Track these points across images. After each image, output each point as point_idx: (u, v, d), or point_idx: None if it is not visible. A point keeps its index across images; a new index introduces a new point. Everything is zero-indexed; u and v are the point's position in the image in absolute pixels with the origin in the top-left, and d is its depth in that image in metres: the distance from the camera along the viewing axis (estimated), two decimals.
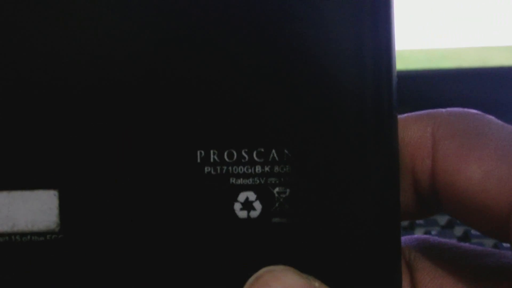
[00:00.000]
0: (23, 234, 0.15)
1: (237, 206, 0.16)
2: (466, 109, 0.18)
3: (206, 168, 0.16)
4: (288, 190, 0.16)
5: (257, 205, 0.16)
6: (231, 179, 0.16)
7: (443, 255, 0.19)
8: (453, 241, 0.19)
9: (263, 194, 0.16)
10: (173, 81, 0.16)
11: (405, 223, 0.38)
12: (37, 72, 0.15)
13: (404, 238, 0.19)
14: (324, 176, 0.16)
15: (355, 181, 0.16)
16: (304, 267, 0.15)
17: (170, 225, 0.16)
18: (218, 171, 0.16)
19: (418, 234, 0.21)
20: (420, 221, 0.41)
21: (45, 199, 0.15)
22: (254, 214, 0.16)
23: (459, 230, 0.38)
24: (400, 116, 0.18)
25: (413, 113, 0.18)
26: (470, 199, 0.16)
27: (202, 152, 0.16)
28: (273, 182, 0.16)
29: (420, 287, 0.18)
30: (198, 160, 0.16)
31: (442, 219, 0.41)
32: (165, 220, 0.16)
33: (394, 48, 0.16)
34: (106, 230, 0.15)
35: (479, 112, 0.17)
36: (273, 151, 0.16)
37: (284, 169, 0.16)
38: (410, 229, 0.38)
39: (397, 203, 0.16)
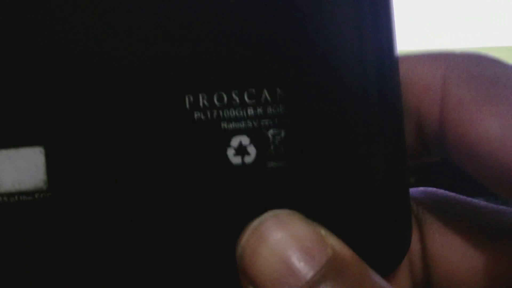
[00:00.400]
0: (10, 195, 0.15)
1: (230, 152, 0.15)
2: (483, 54, 0.16)
3: (195, 114, 0.15)
4: (283, 132, 0.15)
5: (251, 150, 0.15)
6: (222, 124, 0.15)
7: (453, 209, 0.17)
8: (463, 196, 0.18)
9: (257, 137, 0.15)
10: (157, 23, 0.15)
11: None
12: (21, 33, 0.15)
13: (411, 190, 0.18)
14: (321, 115, 0.15)
15: (356, 119, 0.15)
16: (304, 213, 0.15)
17: (162, 177, 0.15)
18: (209, 116, 0.15)
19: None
20: None
21: (31, 156, 0.15)
22: (248, 159, 0.15)
23: None
24: (409, 55, 0.16)
25: (424, 53, 0.17)
26: (485, 155, 0.15)
27: (191, 96, 0.15)
28: (266, 124, 0.15)
29: (429, 242, 0.17)
30: (187, 106, 0.15)
31: None
32: (157, 171, 0.15)
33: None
34: (95, 185, 0.15)
35: (497, 58, 0.16)
36: (265, 90, 0.15)
37: (278, 110, 0.15)
38: None
39: (403, 146, 0.15)
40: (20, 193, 0.15)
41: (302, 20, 0.15)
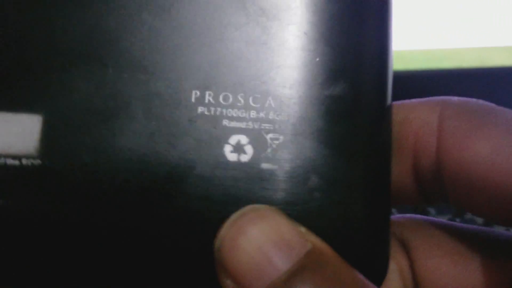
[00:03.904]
0: None
1: (227, 148, 0.15)
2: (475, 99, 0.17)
3: (199, 108, 0.15)
4: (281, 137, 0.15)
5: (249, 149, 0.15)
6: (224, 121, 0.15)
7: (437, 233, 0.18)
8: (444, 220, 0.19)
9: (255, 138, 0.15)
10: (184, 24, 0.16)
11: None
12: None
13: (394, 218, 0.19)
14: (319, 126, 0.15)
15: (349, 141, 0.16)
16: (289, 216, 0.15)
17: (156, 158, 0.15)
18: (212, 112, 0.15)
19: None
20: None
21: (27, 123, 0.15)
22: (244, 157, 0.15)
23: None
24: (407, 101, 0.18)
25: (421, 98, 0.18)
26: (478, 176, 0.15)
27: (198, 92, 0.15)
28: (267, 127, 0.15)
29: (417, 266, 0.18)
30: (193, 100, 0.15)
31: None
32: (152, 153, 0.15)
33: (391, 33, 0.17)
34: (89, 158, 0.15)
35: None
36: (270, 98, 0.15)
37: (280, 117, 0.15)
38: None
39: (389, 166, 0.16)
40: (7, 156, 0.15)
41: (315, 44, 0.16)
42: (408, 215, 0.19)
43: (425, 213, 0.42)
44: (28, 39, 0.15)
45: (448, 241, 0.18)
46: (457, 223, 0.18)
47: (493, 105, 0.17)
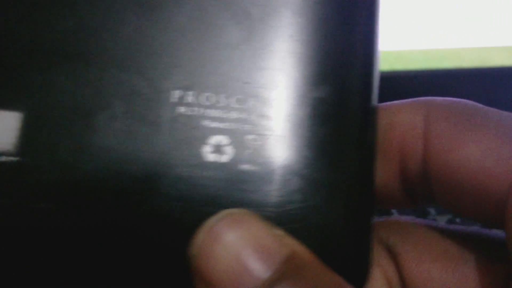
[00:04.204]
0: None
1: (207, 149, 0.15)
2: (460, 99, 0.17)
3: (180, 108, 0.15)
4: (263, 139, 0.15)
5: (229, 150, 0.15)
6: (204, 121, 0.15)
7: (426, 236, 0.18)
8: (432, 221, 0.18)
9: (236, 139, 0.15)
10: (168, 24, 0.16)
11: None
12: None
13: (379, 220, 0.18)
14: (302, 128, 0.15)
15: (331, 143, 0.15)
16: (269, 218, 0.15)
17: (134, 157, 0.15)
18: (193, 112, 0.15)
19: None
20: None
21: (6, 120, 0.15)
22: (224, 158, 0.15)
23: None
24: (391, 103, 0.17)
25: (406, 100, 0.17)
26: (467, 179, 0.15)
27: (179, 92, 0.15)
28: (248, 129, 0.15)
29: (406, 273, 0.17)
30: (174, 100, 0.15)
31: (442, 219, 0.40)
32: (131, 152, 0.15)
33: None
34: (67, 156, 0.15)
35: (471, 101, 0.17)
36: (253, 99, 0.15)
37: (262, 118, 0.15)
38: None
39: (372, 169, 0.16)
40: None
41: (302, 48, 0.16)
42: (394, 216, 0.19)
43: (425, 213, 0.41)
44: (10, 36, 0.15)
45: (438, 245, 0.17)
46: (447, 225, 0.18)
47: (480, 105, 0.16)
